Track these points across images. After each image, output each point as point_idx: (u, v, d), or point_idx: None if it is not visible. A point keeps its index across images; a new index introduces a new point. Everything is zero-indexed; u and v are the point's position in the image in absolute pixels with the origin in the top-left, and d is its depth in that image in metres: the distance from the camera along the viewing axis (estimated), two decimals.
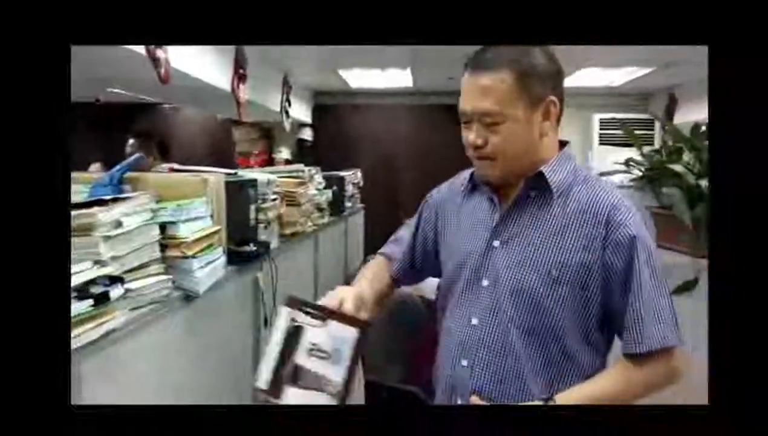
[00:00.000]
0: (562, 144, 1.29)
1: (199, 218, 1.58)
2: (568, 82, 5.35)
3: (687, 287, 2.04)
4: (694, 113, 5.53)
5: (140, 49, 2.85)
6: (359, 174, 5.34)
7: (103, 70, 3.78)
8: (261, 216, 2.21)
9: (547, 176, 1.23)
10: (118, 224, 1.24)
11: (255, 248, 1.98)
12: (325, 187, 3.56)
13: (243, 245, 1.94)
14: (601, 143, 6.53)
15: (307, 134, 7.12)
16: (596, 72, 5.46)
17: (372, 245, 5.30)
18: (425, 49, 4.62)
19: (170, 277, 1.42)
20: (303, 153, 7.02)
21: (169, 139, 3.75)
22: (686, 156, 2.37)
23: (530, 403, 1.17)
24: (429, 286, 2.13)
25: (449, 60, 5.13)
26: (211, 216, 1.68)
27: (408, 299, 2.77)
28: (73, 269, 1.09)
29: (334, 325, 1.06)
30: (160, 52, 2.81)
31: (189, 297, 1.52)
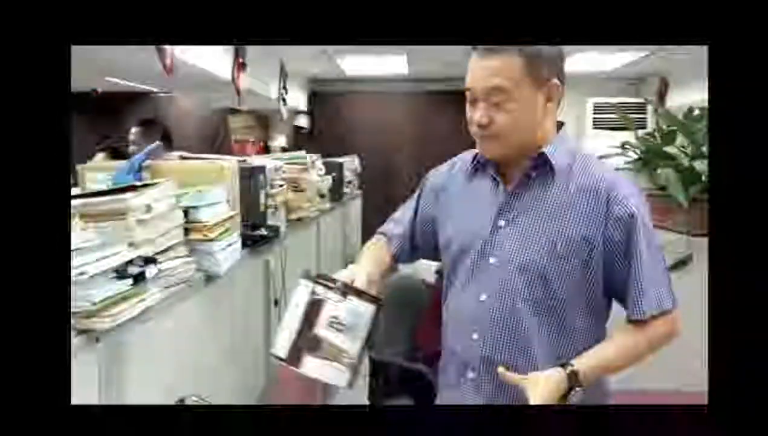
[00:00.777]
0: (559, 125, 1.36)
1: (217, 203, 1.65)
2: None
3: (682, 263, 2.14)
4: (686, 96, 5.62)
5: None
6: (357, 160, 5.41)
7: (102, 60, 3.81)
8: (270, 201, 2.29)
9: (549, 156, 1.28)
10: (149, 209, 1.31)
11: (267, 232, 2.06)
12: (325, 174, 3.63)
13: (256, 229, 2.02)
14: (595, 127, 6.61)
15: (303, 121, 7.17)
16: (589, 57, 5.52)
17: (369, 229, 5.39)
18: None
19: (194, 259, 1.50)
20: (299, 140, 7.08)
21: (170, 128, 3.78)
22: (680, 139, 2.46)
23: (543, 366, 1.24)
24: (427, 269, 2.21)
25: (444, 47, 5.19)
26: (228, 201, 1.75)
27: (410, 280, 2.85)
28: (111, 250, 1.17)
29: (353, 300, 1.11)
30: (166, 45, 2.86)
31: (210, 278, 1.59)
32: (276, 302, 2.25)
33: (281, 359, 1.10)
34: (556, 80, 1.27)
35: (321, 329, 1.08)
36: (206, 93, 5.59)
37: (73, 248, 1.09)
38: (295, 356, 1.08)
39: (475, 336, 1.32)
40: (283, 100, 5.62)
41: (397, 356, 2.74)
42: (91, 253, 1.11)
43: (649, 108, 5.88)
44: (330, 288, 1.12)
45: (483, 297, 1.32)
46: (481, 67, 1.25)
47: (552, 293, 1.27)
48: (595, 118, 6.56)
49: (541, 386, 1.17)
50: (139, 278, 1.18)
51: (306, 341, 1.08)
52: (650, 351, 1.27)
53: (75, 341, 1.01)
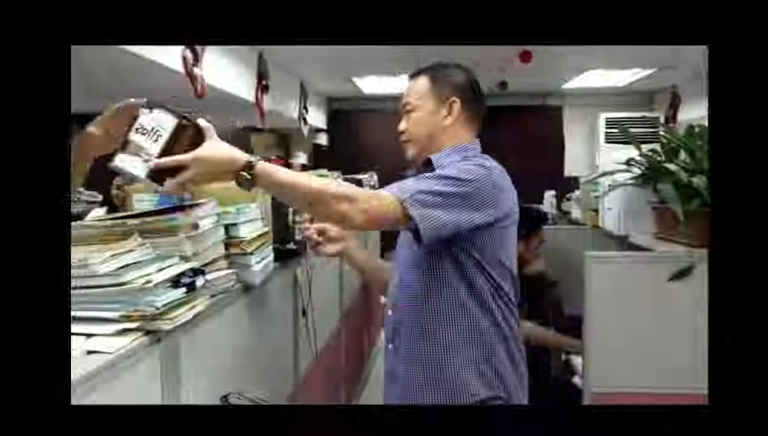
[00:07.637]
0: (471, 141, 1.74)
1: (253, 220, 1.82)
2: (576, 83, 5.54)
3: (683, 273, 2.26)
4: (698, 110, 5.73)
5: (168, 63, 3.05)
6: (375, 177, 5.57)
7: (130, 82, 4.02)
8: (297, 218, 2.45)
9: (433, 160, 1.67)
10: (196, 226, 1.48)
11: (296, 247, 2.22)
12: None
13: (285, 245, 2.18)
14: (607, 141, 6.74)
15: (322, 139, 7.37)
16: (601, 73, 5.67)
17: (387, 243, 5.56)
18: (434, 55, 4.83)
19: (234, 271, 1.66)
20: (319, 158, 7.28)
21: None
22: (682, 155, 2.59)
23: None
24: None
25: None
26: (262, 218, 1.92)
27: None
28: (165, 263, 1.34)
29: (157, 112, 1.34)
30: (197, 70, 3.05)
31: (247, 288, 1.76)
32: (304, 312, 2.41)
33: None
34: (455, 98, 1.68)
35: (131, 135, 1.34)
36: (230, 113, 5.80)
37: (135, 260, 1.27)
38: (112, 157, 1.35)
39: (389, 312, 1.79)
40: (304, 119, 5.82)
41: None
42: (152, 264, 1.28)
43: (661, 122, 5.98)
44: (145, 107, 1.36)
45: (396, 279, 1.78)
46: (405, 90, 1.74)
47: (426, 256, 1.65)
48: (607, 132, 6.69)
49: (223, 147, 1.40)
50: (190, 288, 1.35)
51: (120, 145, 1.34)
52: (323, 197, 1.46)
53: (141, 339, 1.17)
